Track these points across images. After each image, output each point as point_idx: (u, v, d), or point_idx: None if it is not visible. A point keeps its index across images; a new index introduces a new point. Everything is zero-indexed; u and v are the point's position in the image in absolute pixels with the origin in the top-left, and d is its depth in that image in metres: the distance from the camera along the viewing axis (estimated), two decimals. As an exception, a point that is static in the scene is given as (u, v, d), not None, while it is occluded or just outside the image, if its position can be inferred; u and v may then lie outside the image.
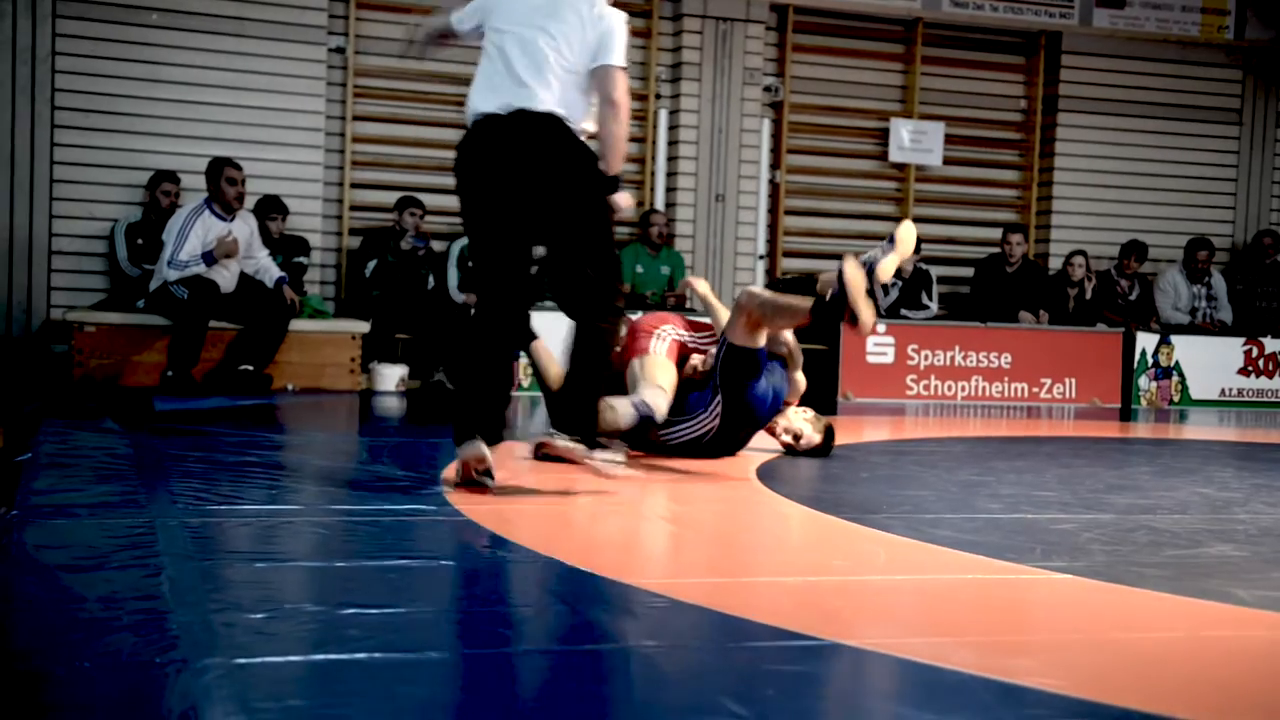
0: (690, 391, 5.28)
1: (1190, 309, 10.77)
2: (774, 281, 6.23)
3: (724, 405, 5.21)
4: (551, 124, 4.20)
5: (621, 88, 4.24)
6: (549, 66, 4.20)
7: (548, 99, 4.19)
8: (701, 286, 5.89)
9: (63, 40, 8.73)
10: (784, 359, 5.42)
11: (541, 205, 4.22)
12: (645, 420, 5.14)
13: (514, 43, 4.24)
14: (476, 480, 4.19)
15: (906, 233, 5.60)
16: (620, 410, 5.03)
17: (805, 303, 4.93)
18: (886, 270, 5.55)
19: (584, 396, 4.30)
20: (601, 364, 4.31)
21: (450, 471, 4.44)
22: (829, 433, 5.66)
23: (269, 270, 8.25)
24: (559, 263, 4.31)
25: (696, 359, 5.41)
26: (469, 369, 4.32)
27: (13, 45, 8.61)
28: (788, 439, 5.58)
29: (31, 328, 8.73)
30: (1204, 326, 10.65)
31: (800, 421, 5.60)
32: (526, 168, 4.19)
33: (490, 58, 4.32)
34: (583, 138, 4.29)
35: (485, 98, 4.27)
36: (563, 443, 4.40)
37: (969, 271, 10.73)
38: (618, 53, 4.24)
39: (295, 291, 8.44)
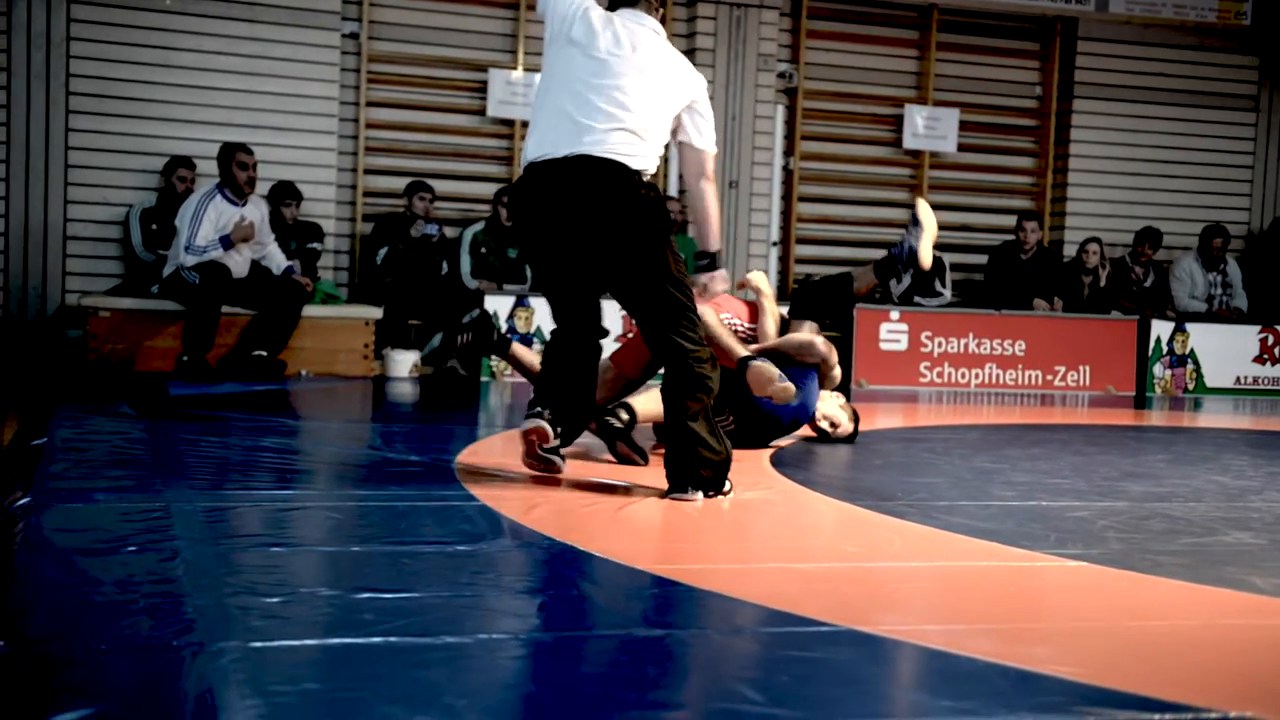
0: None
1: (1206, 296, 10.72)
2: (808, 283, 6.19)
3: (736, 414, 5.19)
4: (615, 170, 3.95)
5: (713, 167, 4.19)
6: (619, 118, 3.96)
7: (612, 146, 3.95)
8: (758, 280, 5.65)
9: (77, 25, 8.74)
10: (816, 366, 5.42)
11: (601, 256, 4.00)
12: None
13: (583, 90, 3.98)
14: (543, 459, 4.17)
15: (926, 211, 5.71)
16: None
17: (738, 352, 4.89)
18: (927, 254, 5.62)
19: (689, 449, 3.97)
20: (696, 413, 3.97)
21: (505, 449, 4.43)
22: (856, 420, 5.74)
23: (275, 258, 8.26)
24: (634, 315, 4.10)
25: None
26: (553, 362, 4.23)
27: (27, 30, 8.62)
28: (825, 426, 5.61)
29: (46, 313, 8.76)
30: (1220, 314, 10.60)
31: (836, 409, 5.67)
32: (587, 215, 3.95)
33: (553, 99, 4.04)
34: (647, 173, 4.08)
35: (545, 139, 4.01)
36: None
37: (983, 259, 10.70)
38: (712, 136, 4.16)
39: (309, 277, 8.45)
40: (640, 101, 3.99)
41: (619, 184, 3.94)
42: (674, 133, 4.15)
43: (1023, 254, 10.26)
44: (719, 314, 5.27)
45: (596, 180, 3.94)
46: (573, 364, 4.19)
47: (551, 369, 4.22)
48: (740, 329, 5.46)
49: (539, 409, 4.14)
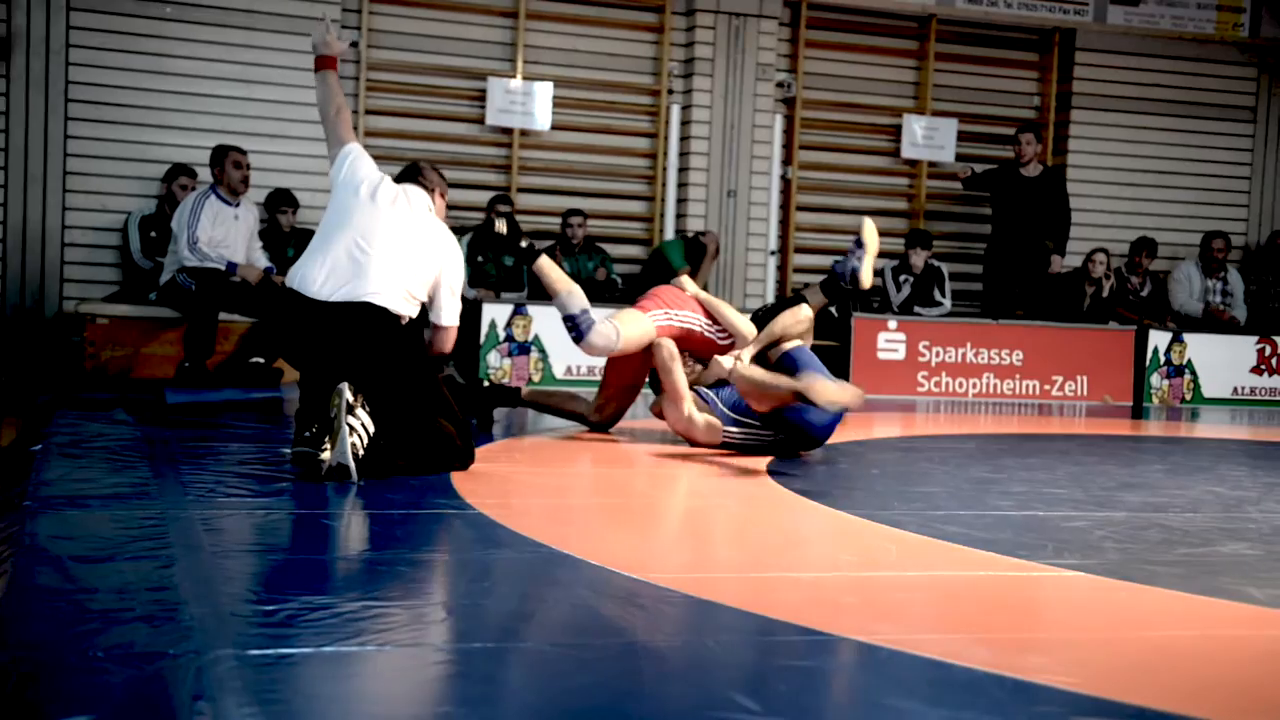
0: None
1: (1204, 300, 10.69)
2: (764, 308, 6.31)
3: (785, 434, 5.39)
4: (385, 318, 4.40)
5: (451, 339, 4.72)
6: (393, 272, 4.44)
7: (386, 297, 4.41)
8: (688, 285, 6.00)
9: (76, 33, 8.74)
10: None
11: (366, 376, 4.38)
12: (569, 321, 5.55)
13: (364, 242, 4.46)
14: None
15: (871, 232, 6.00)
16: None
17: (789, 387, 5.10)
18: (867, 275, 5.93)
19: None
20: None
21: None
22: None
23: (259, 263, 8.24)
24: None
25: (716, 362, 5.58)
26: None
27: (26, 37, 8.63)
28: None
29: (44, 319, 8.76)
30: (1216, 314, 10.54)
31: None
32: (358, 356, 4.36)
33: (338, 242, 4.47)
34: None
35: (321, 281, 4.41)
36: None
37: (981, 269, 10.70)
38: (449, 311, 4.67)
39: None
40: (407, 258, 4.49)
41: (387, 330, 4.40)
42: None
43: (1022, 169, 10.15)
44: (675, 310, 5.68)
45: (368, 327, 4.37)
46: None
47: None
48: (708, 330, 5.75)
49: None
